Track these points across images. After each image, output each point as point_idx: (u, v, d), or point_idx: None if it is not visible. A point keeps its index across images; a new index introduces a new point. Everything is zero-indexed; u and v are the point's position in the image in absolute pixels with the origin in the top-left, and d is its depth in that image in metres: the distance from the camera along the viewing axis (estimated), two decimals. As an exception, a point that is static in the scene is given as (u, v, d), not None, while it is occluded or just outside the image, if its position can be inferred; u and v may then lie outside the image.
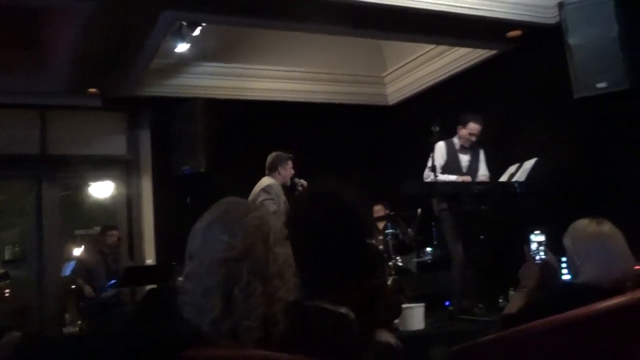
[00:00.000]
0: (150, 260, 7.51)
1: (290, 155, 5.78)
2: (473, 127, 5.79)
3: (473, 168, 5.92)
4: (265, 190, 5.47)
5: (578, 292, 2.15)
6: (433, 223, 6.42)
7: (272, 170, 5.69)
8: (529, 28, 6.30)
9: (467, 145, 5.85)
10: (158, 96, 7.57)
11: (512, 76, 6.93)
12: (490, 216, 5.81)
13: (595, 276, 2.19)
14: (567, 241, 2.33)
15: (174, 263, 5.96)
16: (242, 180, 7.18)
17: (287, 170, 5.68)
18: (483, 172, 5.95)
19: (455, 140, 5.89)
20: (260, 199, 5.36)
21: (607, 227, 2.26)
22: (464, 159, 5.91)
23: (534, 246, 2.53)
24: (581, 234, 2.27)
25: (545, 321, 1.88)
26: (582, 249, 2.25)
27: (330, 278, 1.61)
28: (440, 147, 5.69)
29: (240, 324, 1.27)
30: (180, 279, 1.40)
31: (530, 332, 1.92)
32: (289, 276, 1.36)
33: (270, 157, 5.76)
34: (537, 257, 2.51)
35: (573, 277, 2.32)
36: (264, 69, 8.03)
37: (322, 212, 1.69)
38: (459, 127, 5.83)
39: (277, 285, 1.32)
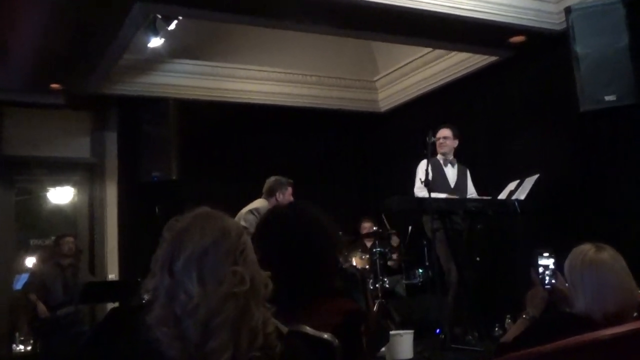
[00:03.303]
0: (113, 276, 7.44)
1: (290, 180, 5.78)
2: (440, 132, 5.93)
3: (461, 184, 5.98)
4: (252, 212, 5.45)
5: (568, 324, 2.15)
6: (425, 242, 6.44)
7: (270, 194, 5.68)
8: (533, 34, 6.36)
9: (445, 151, 5.93)
10: (127, 95, 7.52)
11: (513, 85, 6.99)
12: (487, 236, 5.84)
13: (586, 308, 2.20)
14: (565, 268, 2.34)
15: (139, 279, 5.91)
16: (217, 190, 7.20)
17: (287, 196, 5.68)
18: (471, 191, 6.02)
19: (439, 157, 5.96)
20: (243, 222, 5.34)
21: (606, 254, 2.24)
22: (451, 173, 5.97)
23: (541, 270, 2.51)
24: (577, 261, 2.26)
25: (521, 354, 1.90)
26: (576, 278, 2.25)
27: (301, 296, 1.62)
28: (423, 165, 5.72)
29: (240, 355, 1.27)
30: (146, 296, 1.37)
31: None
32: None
33: (268, 182, 5.76)
34: (546, 282, 2.49)
35: (569, 305, 2.33)
36: (244, 69, 8.02)
37: (287, 227, 1.74)
38: (434, 140, 5.89)
39: (269, 314, 1.34)
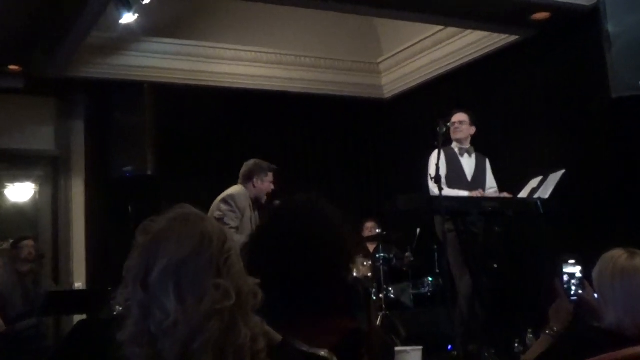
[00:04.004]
0: (79, 284, 7.43)
1: (273, 166, 5.76)
2: (456, 116, 5.94)
3: (480, 177, 5.99)
4: (225, 200, 5.45)
5: (596, 340, 2.17)
6: (435, 247, 6.44)
7: (246, 180, 5.69)
8: (559, 10, 6.36)
9: (460, 137, 5.94)
10: (96, 78, 7.51)
11: (536, 69, 7.00)
12: (505, 240, 5.84)
13: (617, 321, 2.21)
14: (594, 276, 2.35)
15: (110, 288, 5.91)
16: (197, 187, 7.19)
17: (265, 183, 5.68)
18: (491, 185, 6.03)
19: (454, 146, 5.96)
20: (217, 212, 5.34)
21: None
22: (468, 165, 5.98)
23: (567, 279, 2.53)
24: (608, 268, 2.29)
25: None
26: (606, 288, 2.27)
27: (298, 312, 1.62)
28: (434, 157, 5.71)
29: None
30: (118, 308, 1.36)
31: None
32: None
33: (246, 165, 5.76)
34: (572, 293, 2.51)
35: (598, 319, 2.34)
36: (229, 49, 8.02)
37: (292, 232, 1.72)
38: (449, 126, 5.89)
39: (259, 328, 1.32)
